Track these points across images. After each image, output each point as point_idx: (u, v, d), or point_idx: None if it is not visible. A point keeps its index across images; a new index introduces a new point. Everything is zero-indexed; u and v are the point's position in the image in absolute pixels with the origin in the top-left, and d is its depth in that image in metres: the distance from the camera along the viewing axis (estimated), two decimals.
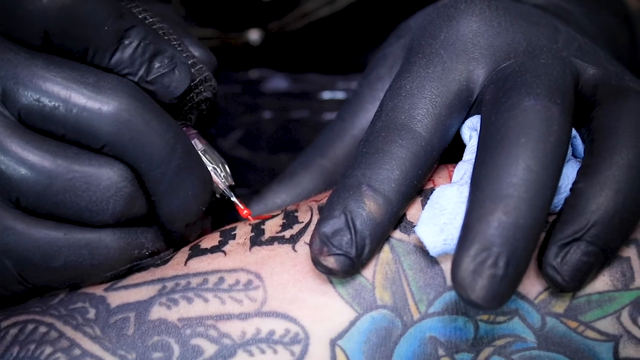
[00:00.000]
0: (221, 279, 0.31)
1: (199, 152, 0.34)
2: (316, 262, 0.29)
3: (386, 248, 0.31)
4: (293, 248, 0.32)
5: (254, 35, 0.65)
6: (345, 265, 0.29)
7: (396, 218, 0.31)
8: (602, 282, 0.30)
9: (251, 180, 0.53)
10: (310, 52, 0.70)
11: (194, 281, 0.32)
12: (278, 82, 0.59)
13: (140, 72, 0.30)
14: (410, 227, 0.31)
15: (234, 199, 0.34)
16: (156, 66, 0.31)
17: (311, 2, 0.66)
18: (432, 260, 0.30)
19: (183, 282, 0.32)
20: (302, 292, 0.31)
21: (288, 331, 0.30)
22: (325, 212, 0.30)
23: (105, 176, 0.29)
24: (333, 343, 0.30)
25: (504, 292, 0.26)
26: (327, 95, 0.58)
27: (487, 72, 0.32)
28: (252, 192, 0.51)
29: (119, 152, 0.30)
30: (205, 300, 0.31)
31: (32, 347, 0.30)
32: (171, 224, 0.33)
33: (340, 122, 0.39)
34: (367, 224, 0.29)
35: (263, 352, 0.30)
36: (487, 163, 0.28)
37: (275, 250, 0.32)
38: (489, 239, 0.26)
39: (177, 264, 0.33)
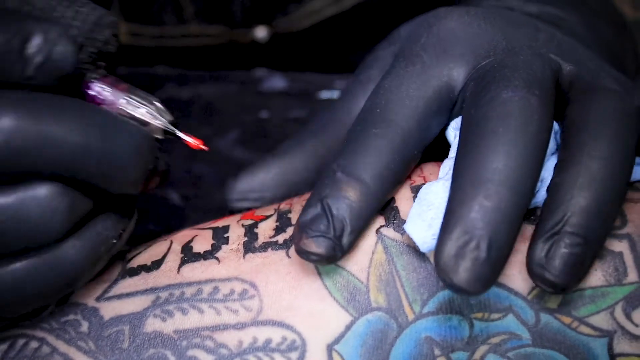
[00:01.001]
0: (215, 289, 0.32)
1: (124, 101, 0.30)
2: (299, 251, 0.30)
3: (380, 249, 0.31)
4: (287, 254, 0.32)
5: (261, 32, 0.66)
6: (326, 247, 0.29)
7: (377, 202, 0.31)
8: (595, 278, 0.30)
9: None
10: (316, 51, 0.70)
11: (188, 291, 0.32)
12: (276, 82, 0.59)
13: (16, 72, 0.27)
14: (403, 224, 0.31)
15: (179, 133, 0.31)
16: (31, 55, 0.27)
17: (317, 1, 0.66)
18: (425, 260, 0.31)
19: (177, 292, 0.32)
20: (298, 299, 0.31)
21: (285, 339, 0.30)
22: (305, 204, 0.31)
23: (34, 203, 0.27)
24: (330, 348, 0.30)
25: (487, 276, 0.26)
26: (325, 94, 0.58)
27: (467, 71, 0.33)
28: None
29: (34, 173, 0.27)
30: (201, 311, 0.31)
31: None
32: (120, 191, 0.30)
33: (333, 111, 0.40)
34: (343, 208, 0.30)
35: None
36: (467, 153, 0.29)
37: (269, 258, 0.32)
38: (471, 222, 0.26)
39: (170, 271, 0.33)
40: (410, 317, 0.30)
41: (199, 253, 0.33)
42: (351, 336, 0.30)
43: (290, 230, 0.33)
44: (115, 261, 0.34)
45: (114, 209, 0.30)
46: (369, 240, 0.32)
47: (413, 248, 0.31)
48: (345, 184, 0.30)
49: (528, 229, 0.31)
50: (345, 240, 0.30)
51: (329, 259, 0.30)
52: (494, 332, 0.30)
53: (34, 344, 0.31)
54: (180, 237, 0.34)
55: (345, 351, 0.30)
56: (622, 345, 0.30)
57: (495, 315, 0.30)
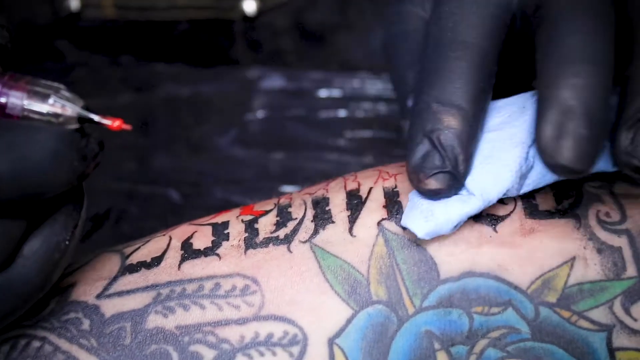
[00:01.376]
0: (217, 285, 0.32)
1: (27, 101, 0.28)
2: (422, 192, 0.30)
3: (380, 241, 0.31)
4: (288, 249, 0.32)
5: (249, 6, 0.65)
6: (447, 181, 0.30)
7: (478, 123, 0.31)
8: (594, 272, 0.30)
9: (246, 179, 0.53)
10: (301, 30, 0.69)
11: (190, 288, 0.32)
12: (274, 80, 0.59)
13: None
14: (400, 223, 0.32)
15: (94, 117, 0.29)
16: None
17: None
18: (426, 254, 0.31)
19: (178, 289, 0.32)
20: (299, 293, 0.31)
21: (286, 333, 0.30)
22: (409, 145, 0.31)
23: None
24: (331, 342, 0.30)
25: (590, 152, 0.27)
26: (323, 93, 0.59)
27: None
28: (245, 190, 0.52)
29: None
30: (202, 307, 0.31)
31: None
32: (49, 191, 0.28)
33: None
34: (451, 138, 0.30)
35: (262, 354, 0.30)
36: (547, 38, 0.29)
37: (270, 253, 0.32)
38: (565, 102, 0.27)
39: (171, 268, 0.33)
40: (411, 310, 0.30)
41: (199, 250, 0.33)
42: (352, 330, 0.30)
43: (290, 225, 0.33)
44: (112, 257, 0.34)
45: (59, 207, 0.29)
46: (371, 233, 0.32)
47: (414, 242, 0.31)
48: (444, 114, 0.30)
49: (528, 223, 0.31)
50: (461, 167, 0.30)
51: (452, 190, 0.31)
52: (493, 326, 0.30)
53: (35, 344, 0.31)
54: (179, 233, 0.34)
55: (346, 345, 0.30)
56: (621, 340, 0.30)
57: (495, 310, 0.30)
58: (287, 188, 0.54)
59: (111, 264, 0.34)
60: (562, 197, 0.33)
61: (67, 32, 0.66)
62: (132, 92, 0.61)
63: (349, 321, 0.30)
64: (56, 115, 0.28)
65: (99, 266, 0.34)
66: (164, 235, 0.35)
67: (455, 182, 0.30)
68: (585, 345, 0.30)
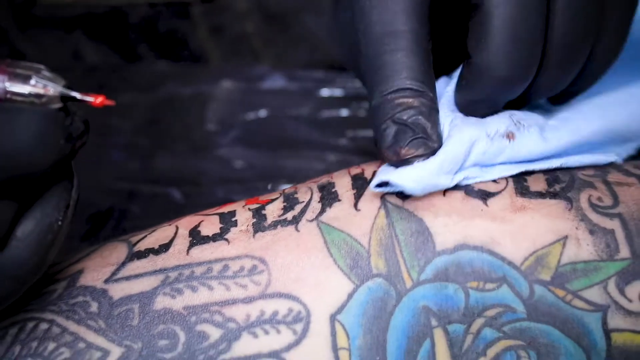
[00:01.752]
0: (225, 267, 0.32)
1: (9, 83, 0.28)
2: (403, 162, 0.32)
3: (382, 213, 0.32)
4: (296, 228, 0.33)
5: None
6: (423, 145, 0.32)
7: (433, 95, 0.33)
8: (587, 252, 0.31)
9: (248, 179, 0.53)
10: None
11: (198, 270, 0.32)
12: (276, 80, 0.60)
13: None
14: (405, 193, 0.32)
15: (77, 95, 0.29)
16: None
17: None
18: (422, 225, 0.31)
19: (187, 271, 0.32)
20: (305, 270, 0.31)
21: (291, 310, 0.31)
22: (377, 136, 0.33)
23: None
24: (333, 318, 0.30)
25: (519, 59, 0.31)
26: (325, 92, 0.59)
27: None
28: (246, 189, 0.52)
29: None
30: (210, 288, 0.31)
31: (35, 344, 0.31)
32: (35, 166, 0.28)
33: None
34: (413, 113, 0.32)
35: (267, 332, 0.30)
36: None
37: (279, 234, 0.33)
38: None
39: (179, 253, 0.33)
40: (408, 284, 0.31)
41: (208, 236, 0.34)
42: (353, 305, 0.31)
43: (298, 208, 0.34)
44: (119, 245, 0.35)
45: (50, 186, 0.29)
46: (374, 205, 0.33)
47: (412, 213, 0.32)
48: (400, 99, 0.32)
49: (519, 201, 0.32)
50: (431, 132, 0.32)
51: (431, 152, 0.32)
52: (489, 304, 0.30)
53: (43, 326, 0.31)
54: (186, 223, 0.35)
55: (347, 321, 0.30)
56: (616, 320, 0.30)
57: (489, 285, 0.30)
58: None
59: (118, 251, 0.34)
60: (553, 182, 0.33)
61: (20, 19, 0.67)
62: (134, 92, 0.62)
63: (350, 296, 0.31)
64: (39, 95, 0.28)
65: (107, 254, 0.34)
66: (170, 225, 0.35)
67: (429, 144, 0.32)
68: (581, 326, 0.30)
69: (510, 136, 0.33)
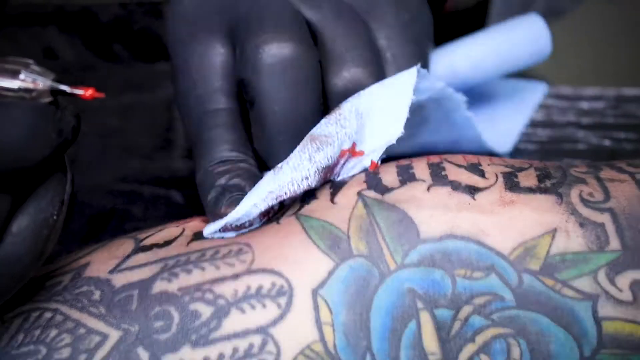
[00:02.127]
0: (217, 251, 0.33)
1: None
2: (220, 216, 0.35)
3: (359, 205, 0.33)
4: (277, 222, 0.34)
5: None
6: (237, 201, 0.35)
7: (251, 165, 0.38)
8: (576, 243, 0.31)
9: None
10: None
11: (193, 256, 0.33)
12: None
13: None
14: (384, 189, 0.33)
15: (66, 89, 0.29)
16: None
17: None
18: (405, 215, 0.32)
19: (183, 258, 0.33)
20: (285, 248, 0.33)
21: (274, 284, 0.32)
22: (204, 203, 0.37)
23: None
24: (315, 293, 0.31)
25: None
26: None
27: (223, 38, 0.41)
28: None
29: None
30: (203, 269, 0.33)
31: (37, 332, 0.31)
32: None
33: None
34: (230, 176, 0.37)
35: (253, 307, 0.31)
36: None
37: (262, 228, 0.35)
38: None
39: (180, 246, 0.34)
40: (392, 266, 0.31)
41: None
42: (334, 281, 0.31)
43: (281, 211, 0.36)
44: (126, 241, 0.36)
45: (43, 180, 0.29)
46: (350, 199, 0.34)
47: (393, 205, 0.32)
48: (221, 167, 0.37)
49: (508, 195, 0.32)
50: (249, 190, 0.36)
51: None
52: (477, 292, 0.31)
53: (47, 315, 0.32)
54: (192, 226, 0.36)
55: (329, 296, 0.31)
56: (606, 309, 0.30)
57: (477, 274, 0.31)
58: None
59: (125, 246, 0.35)
60: (544, 178, 0.34)
61: None
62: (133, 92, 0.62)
63: (330, 273, 0.31)
64: (28, 90, 0.28)
65: (114, 248, 0.36)
66: (177, 226, 0.37)
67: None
68: (571, 314, 0.30)
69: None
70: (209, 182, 0.36)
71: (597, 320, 0.30)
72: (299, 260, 0.32)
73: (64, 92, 0.28)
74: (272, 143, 0.37)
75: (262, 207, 0.34)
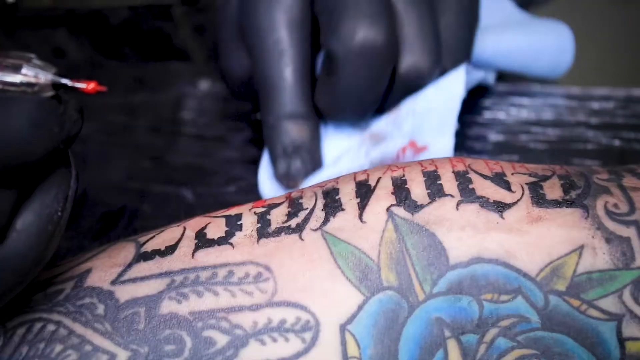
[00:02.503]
0: (230, 273, 0.32)
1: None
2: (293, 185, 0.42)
3: (390, 227, 0.32)
4: (300, 237, 0.33)
5: None
6: (306, 175, 0.42)
7: (317, 122, 0.45)
8: (602, 261, 0.30)
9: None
10: None
11: (203, 275, 0.32)
12: None
13: None
14: (414, 206, 0.32)
15: (69, 83, 0.29)
16: None
17: None
18: (434, 239, 0.31)
19: (192, 275, 0.32)
20: (311, 280, 0.31)
21: (299, 319, 0.31)
22: (272, 157, 0.44)
23: None
24: (343, 328, 0.30)
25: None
26: None
27: None
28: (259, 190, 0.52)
29: None
30: (216, 293, 0.31)
31: (42, 345, 0.31)
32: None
33: None
34: (303, 143, 0.43)
35: (275, 340, 0.30)
36: None
37: (282, 242, 0.33)
38: None
39: (185, 256, 0.33)
40: (421, 297, 0.30)
41: (213, 239, 0.34)
42: (363, 316, 0.30)
43: (302, 215, 0.33)
44: (127, 245, 0.35)
45: (47, 176, 0.29)
46: (380, 218, 0.32)
47: (423, 227, 0.31)
48: (292, 125, 0.43)
49: (535, 212, 0.32)
50: (317, 160, 0.44)
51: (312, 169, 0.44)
52: (503, 315, 0.30)
53: (50, 327, 0.31)
54: (193, 224, 0.35)
55: (357, 331, 0.30)
56: (631, 329, 0.30)
57: (504, 297, 0.30)
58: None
59: (126, 251, 0.34)
60: (569, 188, 0.33)
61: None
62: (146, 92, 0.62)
63: (360, 307, 0.31)
64: (30, 84, 0.27)
65: (114, 254, 0.35)
66: (178, 226, 0.36)
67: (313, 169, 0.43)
68: (595, 335, 0.30)
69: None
70: (278, 135, 0.42)
71: (621, 341, 0.30)
72: (327, 294, 0.31)
73: (65, 86, 0.28)
74: (338, 109, 0.43)
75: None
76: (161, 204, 0.53)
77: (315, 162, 0.43)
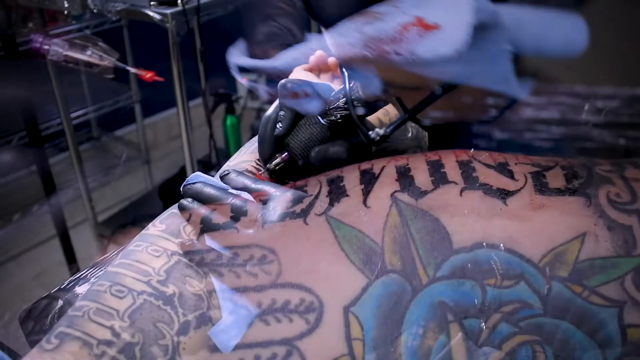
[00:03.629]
0: (235, 255, 0.33)
1: (69, 44, 0.29)
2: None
3: (394, 211, 0.32)
4: (304, 221, 0.33)
5: None
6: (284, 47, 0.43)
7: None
8: (605, 248, 0.31)
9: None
10: None
11: (208, 257, 0.33)
12: None
13: None
14: (418, 192, 0.32)
15: (129, 68, 0.31)
16: None
17: None
18: (438, 224, 0.32)
19: (197, 257, 0.33)
20: (315, 262, 0.32)
21: (303, 300, 0.31)
22: (250, 26, 0.47)
23: None
24: (346, 310, 0.31)
25: None
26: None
27: None
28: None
29: None
30: (220, 274, 0.32)
31: None
32: None
33: None
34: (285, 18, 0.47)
35: (279, 321, 0.31)
36: None
37: (287, 226, 0.34)
38: None
39: (189, 239, 0.34)
40: (424, 280, 0.31)
41: (218, 224, 0.34)
42: (367, 298, 0.31)
43: (306, 201, 0.34)
44: (131, 228, 0.36)
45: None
46: (384, 203, 0.33)
47: (427, 212, 0.32)
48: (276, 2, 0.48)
49: (538, 199, 0.32)
50: (298, 36, 0.49)
51: None
52: (506, 300, 0.31)
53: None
54: (197, 211, 0.36)
55: (361, 313, 0.31)
56: (632, 316, 0.30)
57: (507, 282, 0.31)
58: None
59: (129, 233, 0.35)
60: (572, 178, 0.33)
61: None
62: None
63: (364, 290, 0.31)
64: (92, 64, 0.29)
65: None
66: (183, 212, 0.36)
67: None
68: (597, 321, 0.31)
69: None
70: (261, 8, 0.46)
71: (622, 327, 0.30)
72: (331, 276, 0.31)
73: (125, 70, 0.30)
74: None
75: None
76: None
77: (296, 35, 0.46)
